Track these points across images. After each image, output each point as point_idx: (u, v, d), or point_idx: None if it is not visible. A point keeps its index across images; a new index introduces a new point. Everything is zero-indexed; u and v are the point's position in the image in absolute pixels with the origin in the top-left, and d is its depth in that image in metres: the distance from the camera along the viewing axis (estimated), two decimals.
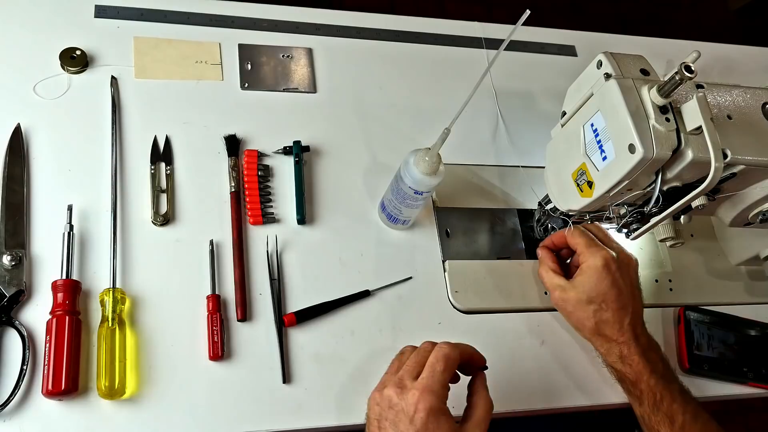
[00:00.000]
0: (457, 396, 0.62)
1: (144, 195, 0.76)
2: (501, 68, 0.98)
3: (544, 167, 0.79)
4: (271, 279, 0.75)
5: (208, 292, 0.72)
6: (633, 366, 0.72)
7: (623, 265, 0.74)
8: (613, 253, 0.74)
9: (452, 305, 0.79)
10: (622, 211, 0.73)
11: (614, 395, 0.79)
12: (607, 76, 0.67)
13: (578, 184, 0.72)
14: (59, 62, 0.80)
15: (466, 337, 0.72)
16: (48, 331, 0.64)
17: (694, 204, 0.68)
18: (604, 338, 0.74)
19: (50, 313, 0.65)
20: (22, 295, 0.66)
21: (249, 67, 0.88)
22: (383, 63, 0.95)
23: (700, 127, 0.62)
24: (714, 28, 2.50)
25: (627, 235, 0.77)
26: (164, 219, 0.74)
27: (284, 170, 0.82)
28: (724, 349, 0.84)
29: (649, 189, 0.69)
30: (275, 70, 0.89)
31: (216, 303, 0.71)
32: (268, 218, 0.78)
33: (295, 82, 0.89)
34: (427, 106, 0.92)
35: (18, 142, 0.74)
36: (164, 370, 0.67)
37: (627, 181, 0.66)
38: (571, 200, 0.74)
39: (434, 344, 0.62)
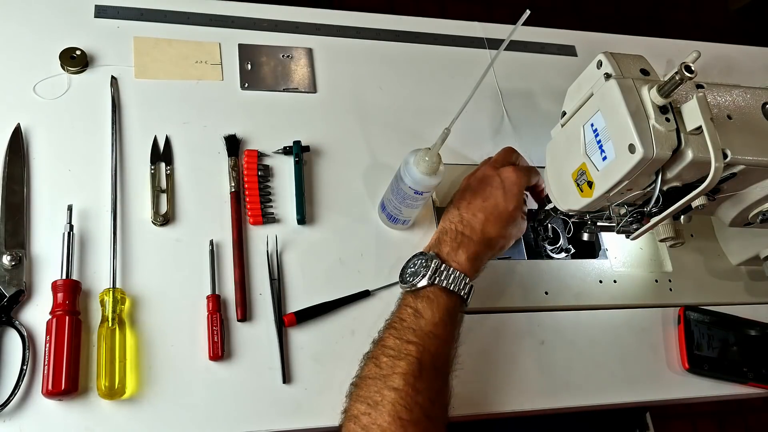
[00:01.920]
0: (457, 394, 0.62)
1: (144, 195, 0.76)
2: (501, 68, 0.98)
3: (544, 167, 0.79)
4: (271, 279, 0.75)
5: (208, 292, 0.72)
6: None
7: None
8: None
9: None
10: (622, 211, 0.73)
11: (614, 395, 0.79)
12: (607, 76, 0.67)
13: (578, 184, 0.72)
14: (59, 62, 0.80)
15: (467, 337, 0.72)
16: (48, 331, 0.64)
17: (694, 204, 0.68)
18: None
19: (50, 313, 0.65)
20: (22, 295, 0.66)
21: (249, 67, 0.88)
22: (383, 63, 0.95)
23: (700, 127, 0.62)
24: (714, 28, 2.50)
25: (627, 236, 0.77)
26: (164, 219, 0.74)
27: (284, 170, 0.82)
28: (724, 349, 0.84)
29: (649, 189, 0.69)
30: (275, 70, 0.89)
31: (216, 303, 0.71)
32: (268, 218, 0.78)
33: (295, 82, 0.89)
34: (427, 106, 0.92)
35: (18, 142, 0.74)
36: (164, 370, 0.67)
37: (627, 181, 0.66)
38: (571, 200, 0.74)
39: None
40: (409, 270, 0.71)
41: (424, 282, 0.68)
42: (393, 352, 0.64)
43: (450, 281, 0.68)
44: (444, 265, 0.69)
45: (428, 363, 0.63)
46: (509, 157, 0.79)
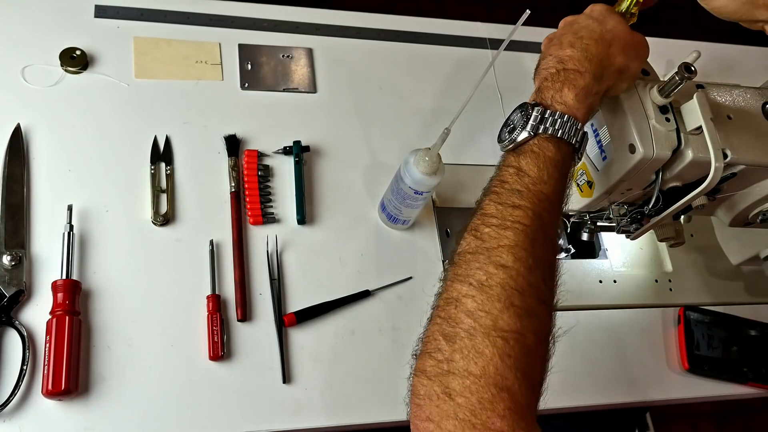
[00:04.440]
0: None
1: (144, 195, 0.76)
2: (501, 68, 0.98)
3: None
4: (271, 279, 0.75)
5: (208, 292, 0.72)
6: None
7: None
8: None
9: None
10: (622, 211, 0.73)
11: (614, 395, 0.79)
12: None
13: (578, 184, 0.72)
14: (59, 62, 0.80)
15: None
16: (48, 331, 0.64)
17: (694, 204, 0.68)
18: None
19: (50, 313, 0.65)
20: (22, 295, 0.66)
21: (249, 67, 0.88)
22: (383, 63, 0.95)
23: (700, 127, 0.62)
24: (714, 28, 2.50)
25: (627, 235, 0.77)
26: (164, 219, 0.74)
27: (284, 170, 0.82)
28: (724, 349, 0.84)
29: (649, 189, 0.69)
30: (275, 70, 0.89)
31: (216, 303, 0.71)
32: (268, 218, 0.78)
33: (295, 82, 0.89)
34: (427, 106, 0.92)
35: (18, 142, 0.74)
36: (164, 370, 0.67)
37: (627, 181, 0.66)
38: (571, 200, 0.74)
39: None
40: (509, 126, 0.59)
41: (524, 134, 0.56)
42: (496, 221, 0.52)
43: (556, 127, 0.56)
44: (548, 111, 0.57)
45: (539, 232, 0.52)
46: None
